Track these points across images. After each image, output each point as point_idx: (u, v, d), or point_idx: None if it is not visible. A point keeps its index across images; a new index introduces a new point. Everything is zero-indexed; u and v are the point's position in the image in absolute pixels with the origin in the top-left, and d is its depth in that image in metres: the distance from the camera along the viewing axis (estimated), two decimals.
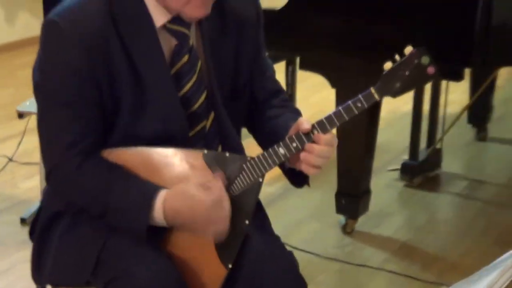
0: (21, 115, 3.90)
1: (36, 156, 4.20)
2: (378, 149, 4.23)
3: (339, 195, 3.78)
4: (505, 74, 5.40)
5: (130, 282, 2.00)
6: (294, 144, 2.03)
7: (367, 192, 3.82)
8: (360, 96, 2.02)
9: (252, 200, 2.11)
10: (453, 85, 4.20)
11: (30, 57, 6.13)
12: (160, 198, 2.00)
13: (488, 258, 3.53)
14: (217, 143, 2.22)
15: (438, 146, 4.46)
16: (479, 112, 4.91)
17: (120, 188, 2.04)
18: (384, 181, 4.35)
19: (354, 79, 3.49)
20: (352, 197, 3.76)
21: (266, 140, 2.20)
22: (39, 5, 6.41)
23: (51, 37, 2.04)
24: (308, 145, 2.01)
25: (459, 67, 3.47)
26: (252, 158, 2.07)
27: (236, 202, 2.07)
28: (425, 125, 4.42)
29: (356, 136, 3.61)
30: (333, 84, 3.64)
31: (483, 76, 4.40)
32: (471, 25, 3.22)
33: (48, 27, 2.04)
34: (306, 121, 2.02)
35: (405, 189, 4.33)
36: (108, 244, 2.08)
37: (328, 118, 2.02)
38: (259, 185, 2.09)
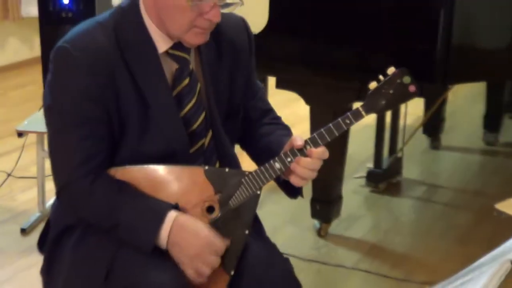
0: (20, 134, 3.81)
1: (32, 170, 4.18)
2: (349, 158, 4.20)
3: (313, 201, 3.74)
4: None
5: None
6: (289, 159, 2.02)
7: (339, 198, 3.79)
8: (348, 113, 2.03)
9: (251, 211, 2.09)
10: None
11: (19, 79, 6.17)
12: (169, 221, 1.98)
13: (450, 256, 3.60)
14: (215, 159, 2.20)
15: (399, 155, 4.44)
16: (433, 123, 4.91)
17: (129, 207, 2.00)
18: (351, 187, 4.31)
19: (325, 96, 3.52)
20: (325, 203, 3.73)
21: (260, 155, 2.19)
22: (28, 32, 6.42)
23: (62, 62, 2.00)
24: (300, 159, 2.00)
25: (422, 84, 3.42)
26: (250, 173, 2.05)
27: (236, 213, 2.05)
28: (386, 136, 4.39)
29: (329, 147, 3.55)
30: (307, 101, 3.60)
31: (436, 91, 4.40)
32: (433, 46, 3.21)
33: (59, 53, 2.00)
34: (299, 138, 2.03)
35: (371, 195, 4.32)
36: (118, 256, 2.03)
37: (320, 134, 2.02)
38: (257, 197, 2.07)
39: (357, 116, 2.03)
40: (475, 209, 4.17)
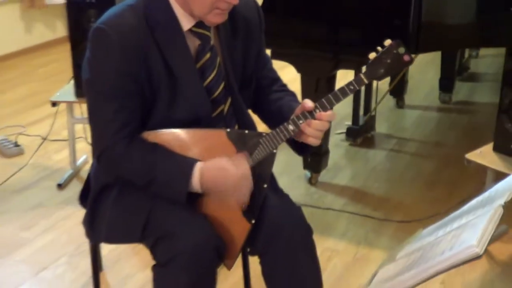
0: (54, 104, 3.65)
1: (64, 134, 4.05)
2: None
3: None
4: None
5: (174, 239, 1.89)
6: (301, 121, 1.93)
7: (326, 152, 3.66)
8: (352, 80, 1.93)
9: (269, 167, 2.00)
10: None
11: (45, 58, 5.98)
12: (197, 170, 1.88)
13: (421, 198, 3.51)
14: (234, 122, 2.10)
15: (372, 113, 4.32)
16: (397, 86, 4.77)
17: (162, 164, 1.91)
18: (334, 142, 4.17)
19: (310, 65, 3.41)
20: (315, 155, 3.60)
21: (272, 119, 2.11)
22: (51, 17, 6.22)
23: (99, 41, 1.88)
24: (311, 122, 1.91)
25: None
26: (267, 134, 1.96)
27: (255, 170, 1.96)
28: (362, 98, 4.27)
29: None
30: (298, 69, 3.47)
31: None
32: (406, 22, 3.10)
33: (96, 33, 1.88)
34: (310, 101, 1.92)
35: (350, 148, 4.19)
36: (154, 209, 1.96)
37: (327, 99, 1.92)
38: (273, 155, 1.98)
39: (360, 82, 1.93)
40: (437, 158, 4.08)
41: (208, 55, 1.98)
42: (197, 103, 1.97)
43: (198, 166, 1.89)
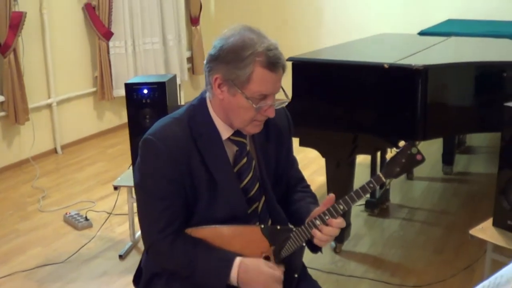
0: (115, 188, 3.52)
1: (125, 209, 3.86)
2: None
3: None
4: None
5: None
6: (327, 217, 1.76)
7: (349, 225, 3.45)
8: (371, 179, 1.77)
9: (299, 258, 1.89)
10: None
11: (113, 140, 5.88)
12: (236, 265, 1.75)
13: (431, 263, 3.25)
14: (267, 218, 1.92)
15: (387, 187, 4.09)
16: None
17: (203, 259, 1.76)
18: (354, 212, 3.93)
19: (336, 150, 3.22)
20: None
21: (291, 216, 1.95)
22: (118, 107, 6.17)
23: (148, 150, 1.76)
24: (323, 227, 1.76)
25: (407, 140, 3.16)
26: (296, 229, 1.81)
27: (287, 260, 1.82)
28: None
29: (341, 185, 3.27)
30: (323, 155, 3.28)
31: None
32: (414, 114, 2.93)
33: (146, 143, 1.76)
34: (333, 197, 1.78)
35: (369, 218, 3.94)
36: None
37: (350, 196, 1.77)
38: (303, 248, 1.84)
39: (378, 180, 1.77)
40: (444, 224, 3.82)
41: (244, 160, 1.84)
42: (234, 204, 1.81)
43: (237, 262, 1.74)
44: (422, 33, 4.77)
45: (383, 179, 1.76)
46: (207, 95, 1.79)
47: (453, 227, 3.74)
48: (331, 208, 1.75)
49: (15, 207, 4.32)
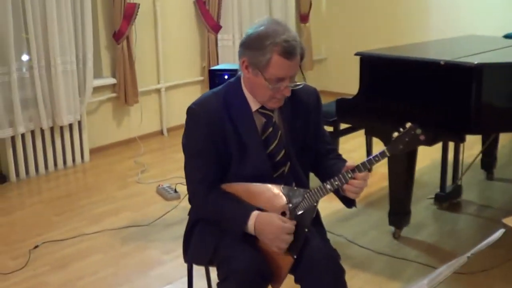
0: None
1: None
2: (423, 185, 4.45)
3: (390, 213, 3.74)
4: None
5: (230, 263, 2.15)
6: (337, 183, 2.15)
7: (408, 212, 3.75)
8: (378, 153, 2.14)
9: (310, 217, 2.20)
10: (470, 141, 4.10)
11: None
12: (253, 217, 2.15)
13: (482, 253, 3.45)
14: (292, 181, 2.31)
15: (459, 183, 4.34)
16: (488, 160, 4.77)
17: (229, 208, 2.20)
18: (424, 205, 4.25)
19: None
20: (398, 215, 3.72)
21: (323, 178, 2.30)
22: None
23: (190, 116, 2.27)
24: (352, 181, 2.14)
25: (462, 133, 3.47)
26: (310, 190, 2.20)
27: (299, 217, 2.18)
28: (450, 168, 4.32)
29: (400, 177, 3.61)
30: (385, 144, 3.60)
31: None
32: (468, 107, 3.21)
33: (189, 111, 2.27)
34: (351, 163, 2.17)
35: (437, 211, 4.21)
36: (222, 240, 2.23)
37: (363, 163, 2.15)
38: (314, 208, 2.20)
39: (383, 155, 2.14)
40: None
41: (270, 129, 2.27)
42: (261, 165, 2.25)
43: (254, 214, 2.15)
44: (506, 36, 4.94)
45: (387, 153, 2.14)
46: (241, 73, 2.28)
47: None
48: (342, 175, 2.15)
49: (116, 178, 5.05)
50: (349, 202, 2.28)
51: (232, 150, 2.22)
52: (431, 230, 3.93)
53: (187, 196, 2.36)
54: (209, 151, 2.21)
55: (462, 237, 3.81)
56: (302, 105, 2.33)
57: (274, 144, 2.27)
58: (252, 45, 2.14)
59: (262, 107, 2.25)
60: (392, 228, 3.78)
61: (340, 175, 2.15)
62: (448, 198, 4.24)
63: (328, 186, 2.17)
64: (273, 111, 2.28)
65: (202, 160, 2.23)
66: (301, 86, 2.25)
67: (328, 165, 2.37)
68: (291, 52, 2.10)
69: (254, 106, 2.25)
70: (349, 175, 2.13)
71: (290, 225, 2.13)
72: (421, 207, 4.22)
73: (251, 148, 2.23)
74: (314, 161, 2.40)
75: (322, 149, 2.41)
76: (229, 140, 2.21)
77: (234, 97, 2.25)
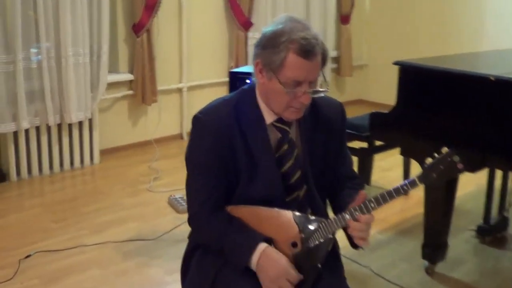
0: None
1: None
2: (464, 214, 4.24)
3: (424, 246, 3.42)
4: None
5: None
6: (357, 212, 1.91)
7: (444, 245, 3.41)
8: (406, 181, 1.88)
9: (325, 249, 1.97)
10: None
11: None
12: (258, 251, 1.94)
13: None
14: (307, 208, 2.08)
15: (505, 214, 3.98)
16: None
17: (233, 235, 1.98)
18: (464, 237, 3.90)
19: None
20: (433, 248, 3.40)
21: (334, 209, 2.13)
22: None
23: (195, 126, 2.03)
24: (352, 222, 1.91)
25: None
26: (326, 220, 1.96)
27: (313, 250, 1.96)
28: (496, 197, 3.98)
29: (438, 205, 3.28)
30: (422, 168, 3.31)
31: None
32: None
33: (194, 120, 2.03)
34: (364, 194, 1.93)
35: (478, 245, 3.85)
36: (222, 270, 2.02)
37: (382, 195, 1.89)
38: (330, 240, 1.97)
39: (413, 184, 1.88)
40: None
41: (286, 146, 2.02)
42: (271, 187, 2.00)
43: (261, 247, 1.93)
44: None
45: (418, 183, 1.87)
46: (255, 80, 2.00)
47: None
48: (362, 205, 1.89)
49: (126, 183, 4.79)
50: (355, 243, 2.02)
51: (240, 167, 1.99)
52: (470, 267, 3.58)
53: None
54: (213, 165, 1.99)
55: (506, 278, 3.46)
56: (324, 120, 2.09)
57: (289, 164, 2.04)
58: (266, 44, 1.90)
59: (278, 121, 2.01)
60: (426, 262, 3.45)
61: (356, 206, 1.90)
62: (492, 231, 3.89)
63: (347, 216, 1.91)
64: (290, 126, 2.04)
65: (206, 176, 2.00)
66: (323, 94, 1.99)
67: (343, 194, 2.12)
68: (310, 50, 1.85)
69: (269, 118, 2.01)
70: (356, 212, 1.90)
71: (296, 274, 1.93)
72: (461, 239, 3.88)
73: (262, 167, 1.99)
74: (331, 187, 2.16)
75: (342, 176, 2.17)
76: (237, 156, 1.98)
77: (247, 106, 2.01)
